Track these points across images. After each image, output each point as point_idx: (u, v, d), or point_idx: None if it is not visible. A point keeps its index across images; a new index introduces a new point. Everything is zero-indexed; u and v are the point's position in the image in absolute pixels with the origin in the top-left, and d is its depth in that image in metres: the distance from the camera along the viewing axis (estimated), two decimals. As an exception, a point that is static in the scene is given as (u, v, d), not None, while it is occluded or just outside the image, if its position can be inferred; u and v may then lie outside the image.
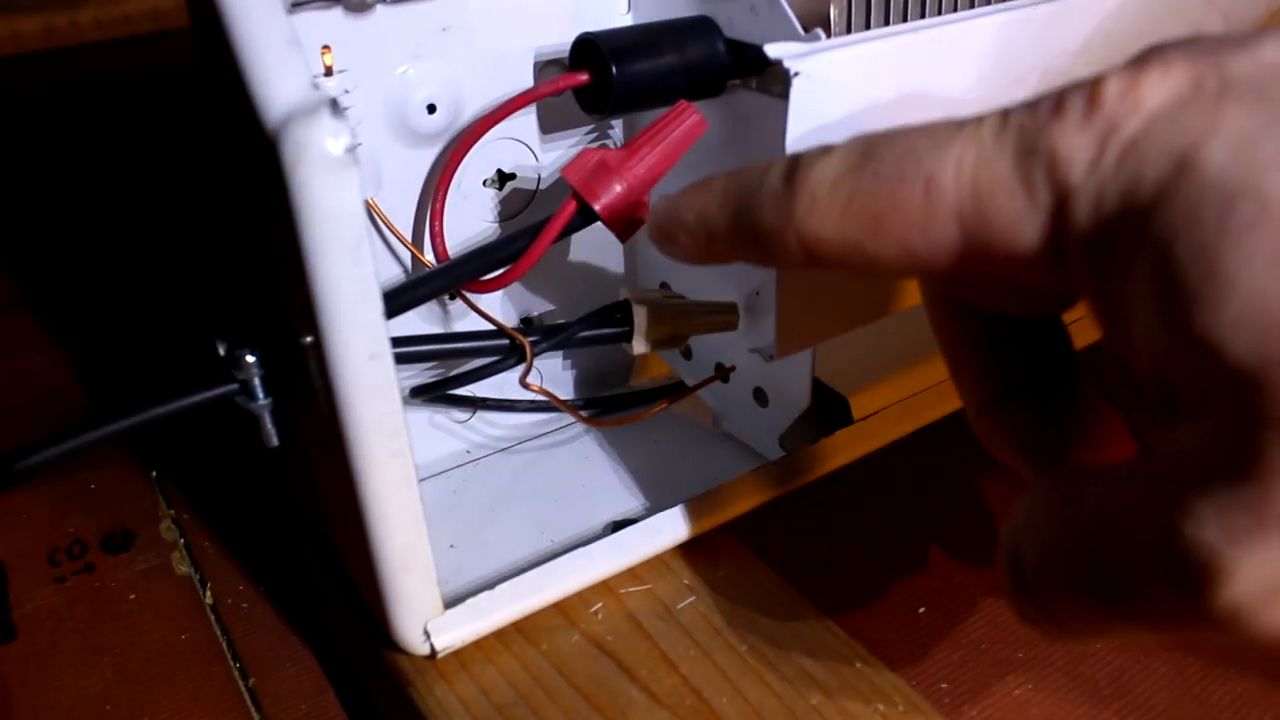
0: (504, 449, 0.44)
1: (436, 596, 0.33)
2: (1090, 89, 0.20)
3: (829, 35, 0.35)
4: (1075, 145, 0.20)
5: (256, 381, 0.34)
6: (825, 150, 0.25)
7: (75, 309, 0.67)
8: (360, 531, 0.32)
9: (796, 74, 0.31)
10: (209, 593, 0.45)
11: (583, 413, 0.42)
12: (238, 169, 0.33)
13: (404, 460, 0.31)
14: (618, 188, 0.34)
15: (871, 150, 0.23)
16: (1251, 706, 0.38)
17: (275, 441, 0.35)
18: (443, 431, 0.43)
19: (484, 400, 0.42)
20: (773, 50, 0.32)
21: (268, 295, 0.34)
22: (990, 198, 0.21)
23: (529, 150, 0.40)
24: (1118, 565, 0.20)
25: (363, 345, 0.29)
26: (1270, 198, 0.17)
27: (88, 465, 0.52)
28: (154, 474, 0.52)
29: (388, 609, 0.33)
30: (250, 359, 0.34)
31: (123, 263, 0.72)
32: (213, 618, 0.44)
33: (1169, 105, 0.19)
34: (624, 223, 0.35)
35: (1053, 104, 0.21)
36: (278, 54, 0.27)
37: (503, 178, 0.40)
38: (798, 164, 0.25)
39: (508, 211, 0.41)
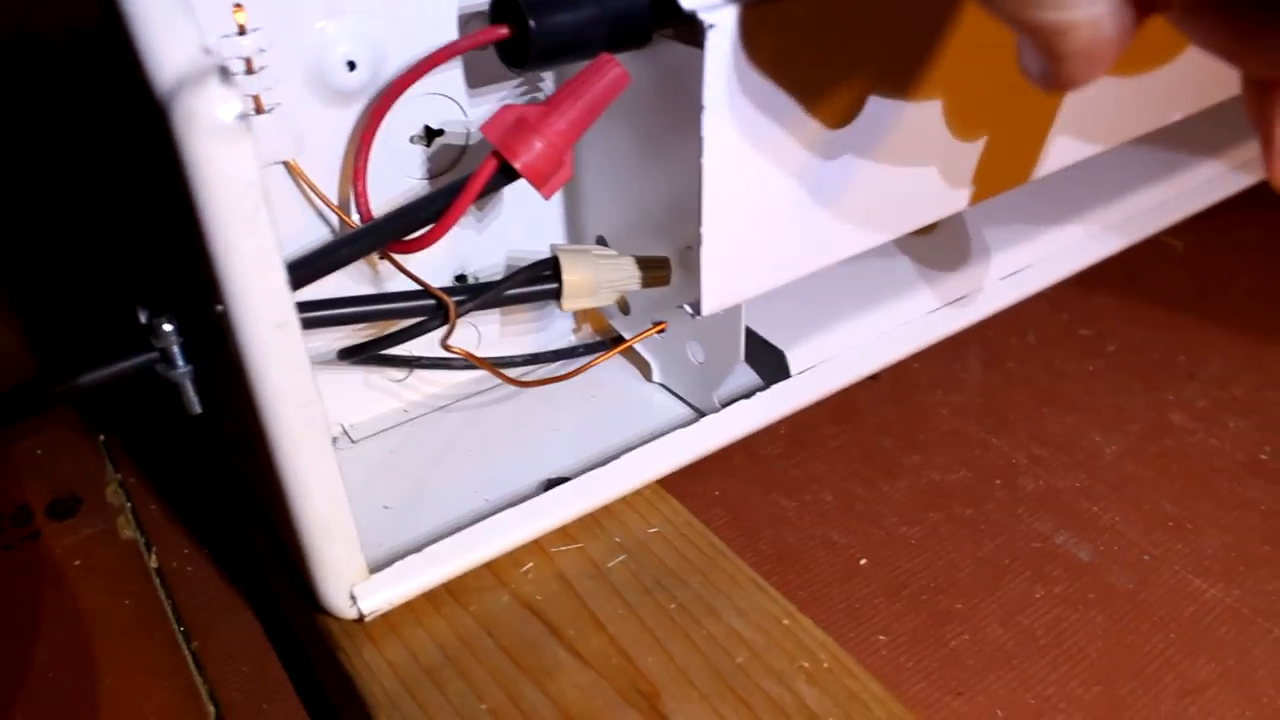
0: (441, 407, 0.44)
1: (361, 561, 0.33)
2: None
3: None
4: None
5: (175, 349, 0.34)
6: None
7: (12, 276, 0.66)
8: (281, 499, 0.32)
9: (712, 26, 0.31)
10: (154, 556, 0.45)
11: (511, 373, 0.41)
12: (140, 134, 0.32)
13: (319, 428, 0.30)
14: (538, 144, 0.34)
15: None
16: (1183, 655, 0.38)
17: (197, 409, 0.35)
18: (379, 391, 0.43)
19: (419, 359, 0.42)
20: (688, 1, 0.31)
21: (180, 262, 0.34)
22: None
23: (456, 105, 0.39)
24: None
25: (268, 314, 0.28)
26: None
27: (35, 429, 0.52)
28: (101, 437, 0.52)
29: (313, 575, 0.33)
30: (168, 328, 0.34)
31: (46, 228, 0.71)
32: (157, 582, 0.44)
33: None
34: (547, 179, 0.34)
35: None
36: (167, 19, 0.27)
37: (430, 134, 0.39)
38: None
39: (436, 168, 0.40)
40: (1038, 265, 0.51)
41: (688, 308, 0.37)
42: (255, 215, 0.27)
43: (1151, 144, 0.58)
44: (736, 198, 0.34)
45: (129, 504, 0.48)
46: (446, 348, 0.36)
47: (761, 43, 0.32)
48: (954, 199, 0.41)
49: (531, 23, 0.33)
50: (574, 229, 0.44)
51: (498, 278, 0.43)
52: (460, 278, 0.42)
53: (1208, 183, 0.59)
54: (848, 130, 0.36)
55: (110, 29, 0.30)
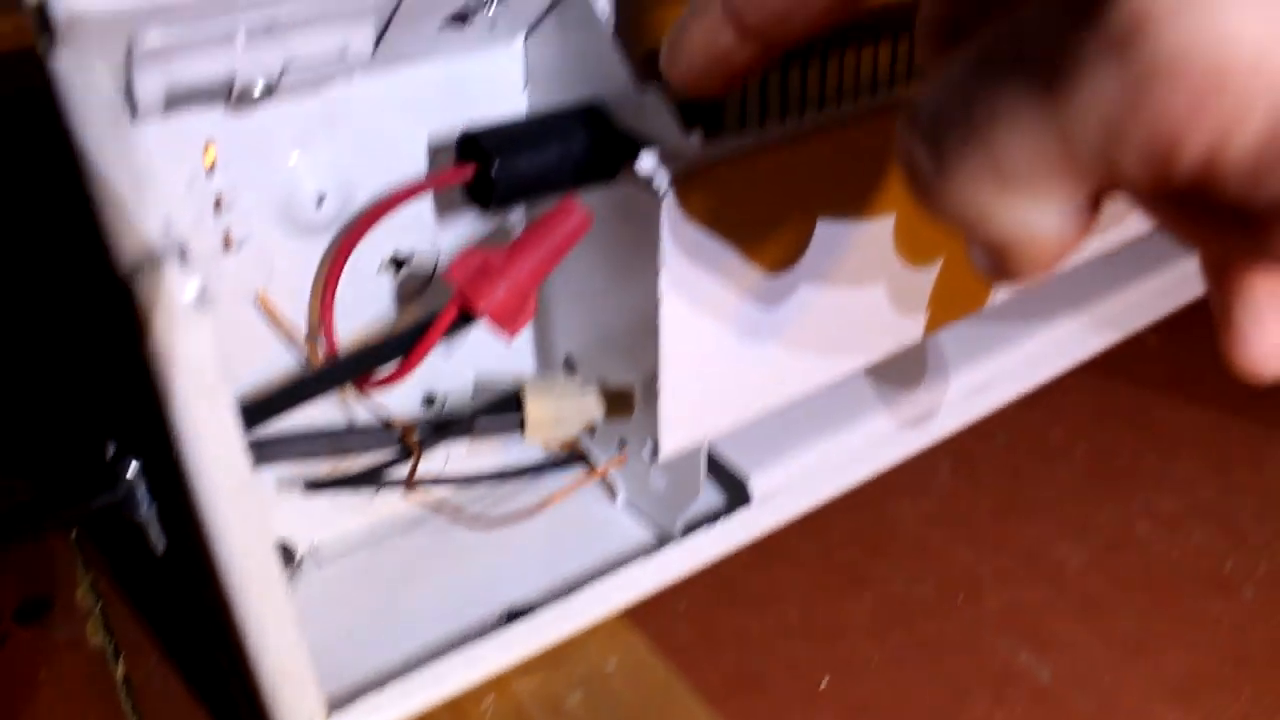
0: (408, 528, 0.44)
1: (319, 704, 0.34)
2: None
3: (718, 125, 0.35)
4: None
5: (140, 493, 0.34)
6: None
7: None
8: (240, 644, 0.32)
9: (667, 191, 0.31)
10: (121, 665, 0.45)
11: (478, 493, 0.42)
12: (104, 281, 0.33)
13: (275, 579, 0.31)
14: (501, 290, 0.34)
15: None
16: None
17: (161, 549, 0.35)
18: (346, 511, 0.43)
19: (386, 480, 0.42)
20: (645, 164, 0.32)
21: (143, 403, 0.34)
22: None
23: (424, 234, 0.40)
24: (1015, 34, 0.17)
25: (225, 480, 0.28)
26: None
27: (7, 522, 0.52)
28: (74, 533, 0.52)
29: (269, 716, 0.33)
30: (132, 468, 0.34)
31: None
32: (123, 693, 0.44)
33: None
34: (509, 322, 0.35)
35: None
36: (130, 196, 0.27)
37: (398, 262, 0.40)
38: None
39: (404, 294, 0.40)
40: (1007, 377, 0.51)
41: (648, 450, 0.37)
42: (214, 389, 0.27)
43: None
44: (695, 346, 0.35)
45: (100, 604, 0.48)
46: (410, 487, 0.37)
47: (695, 202, 0.33)
48: (911, 329, 0.42)
49: (495, 164, 0.34)
50: (543, 345, 0.44)
51: (466, 398, 0.43)
52: (429, 399, 0.43)
53: (1182, 280, 0.60)
54: (798, 271, 0.37)
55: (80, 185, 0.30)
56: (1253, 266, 0.23)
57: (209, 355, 0.27)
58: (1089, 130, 0.16)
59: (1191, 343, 0.63)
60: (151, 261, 0.26)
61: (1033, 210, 0.18)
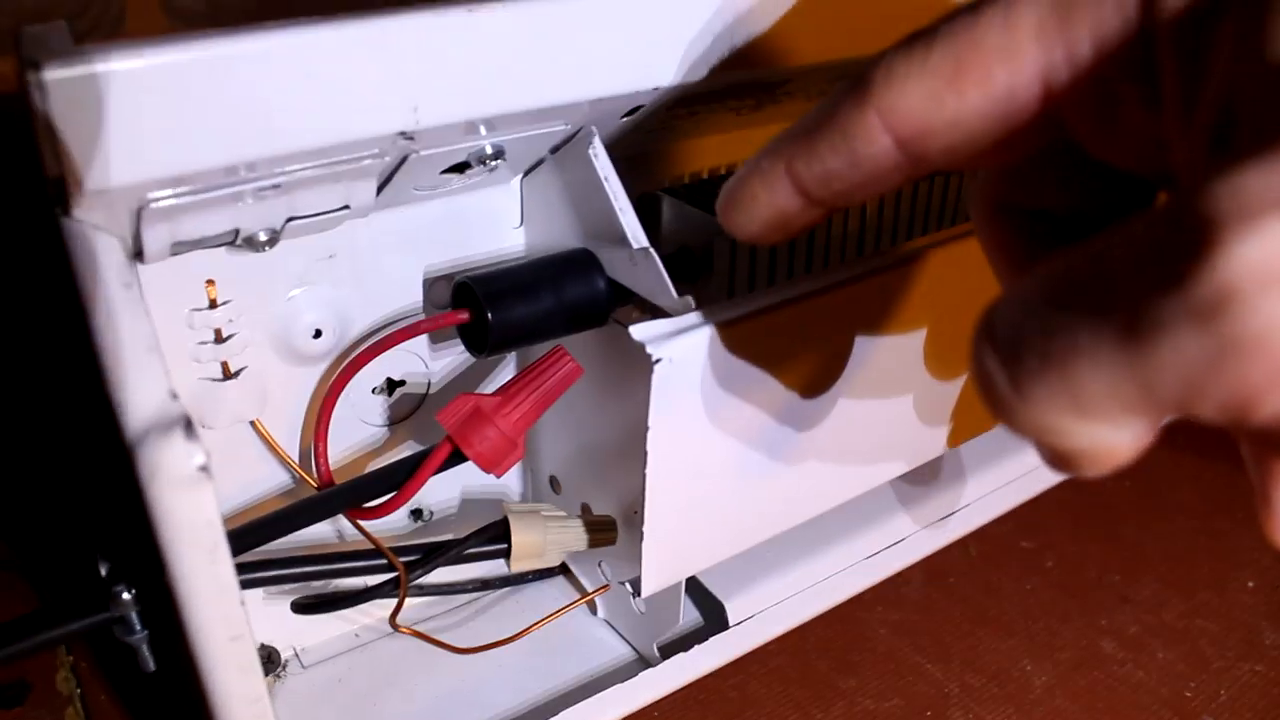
0: (392, 633, 0.45)
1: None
2: None
3: (708, 282, 0.36)
4: None
5: (133, 615, 0.35)
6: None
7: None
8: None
9: (658, 360, 0.32)
10: (104, 757, 0.46)
11: (455, 636, 0.43)
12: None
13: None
14: (491, 434, 0.35)
15: (937, 18, 0.23)
16: None
17: (151, 669, 0.36)
18: (331, 616, 0.44)
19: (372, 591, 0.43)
20: (637, 333, 0.33)
21: (141, 539, 0.35)
22: (1070, 10, 0.21)
23: (418, 358, 0.41)
24: (1101, 274, 0.18)
25: (223, 631, 0.29)
26: None
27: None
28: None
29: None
30: (127, 596, 0.35)
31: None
32: (106, 789, 0.44)
33: None
34: (497, 464, 0.36)
35: None
36: (137, 362, 0.28)
37: (392, 385, 0.41)
38: (866, 65, 0.24)
39: (397, 415, 0.41)
40: (989, 497, 0.52)
41: (628, 586, 0.38)
42: (214, 550, 0.28)
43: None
44: (681, 496, 0.36)
45: (79, 692, 0.48)
46: (395, 627, 0.38)
47: (686, 364, 0.34)
48: (881, 473, 0.43)
49: (490, 315, 0.35)
50: (529, 466, 0.45)
51: (453, 510, 0.44)
52: (416, 512, 0.44)
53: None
54: (785, 422, 0.38)
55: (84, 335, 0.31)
56: None
57: (211, 521, 0.27)
58: (1168, 382, 0.17)
59: (1160, 458, 0.64)
60: (156, 430, 0.27)
61: (1105, 432, 0.19)
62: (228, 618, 0.29)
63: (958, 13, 0.23)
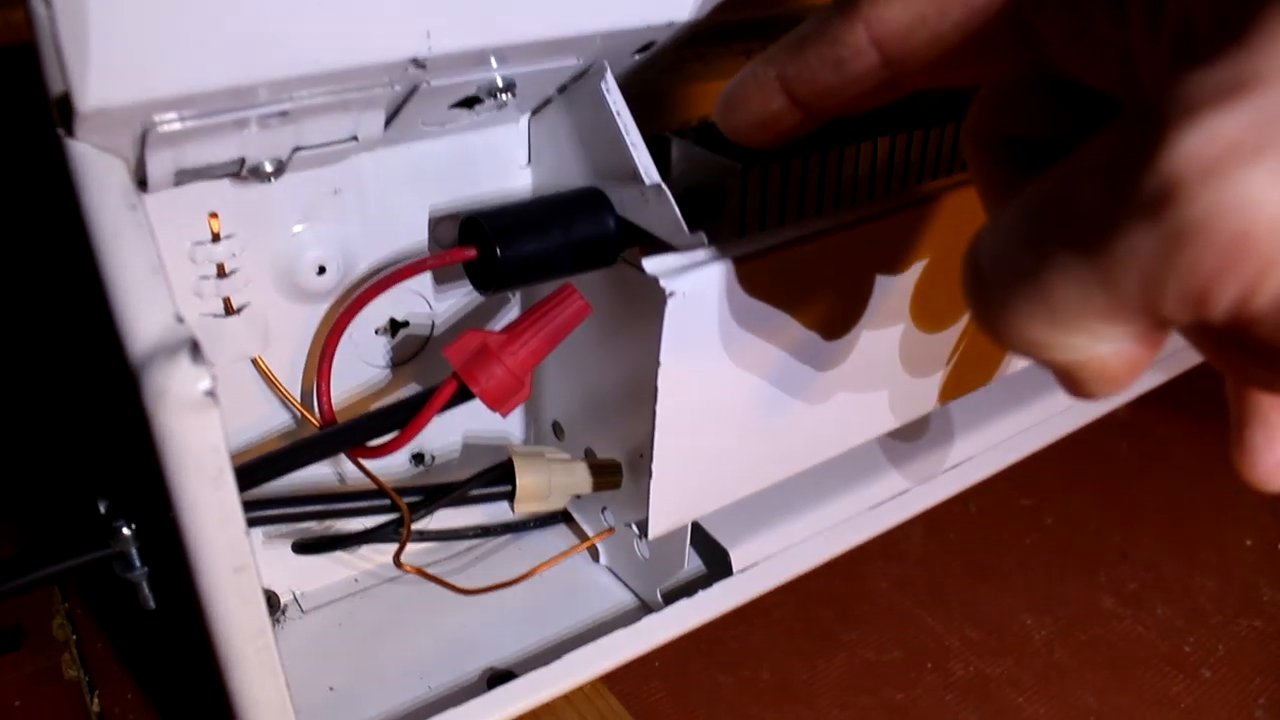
0: (392, 578, 0.45)
1: (304, 770, 0.34)
2: None
3: (718, 225, 0.36)
4: None
5: (133, 551, 0.35)
6: None
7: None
8: (229, 709, 0.33)
9: (672, 294, 0.32)
10: (96, 700, 0.45)
11: (453, 567, 0.42)
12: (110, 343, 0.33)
13: (269, 654, 0.31)
14: (498, 372, 0.35)
15: None
16: None
17: (151, 606, 0.36)
18: (331, 560, 0.44)
19: (372, 533, 0.43)
20: (650, 266, 0.32)
21: (140, 464, 0.34)
22: None
23: (422, 299, 0.40)
24: (1066, 188, 0.18)
25: (228, 560, 0.29)
26: None
27: (-13, 549, 0.52)
28: (52, 562, 0.52)
29: (257, 781, 0.34)
30: (127, 531, 0.34)
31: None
32: (98, 728, 0.44)
33: None
34: (504, 402, 0.35)
35: None
36: (142, 285, 0.28)
37: (395, 326, 0.40)
38: None
39: (400, 357, 0.41)
40: (988, 453, 0.52)
41: (634, 528, 0.38)
42: (219, 476, 0.28)
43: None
44: (689, 436, 0.36)
45: (75, 638, 0.48)
46: (399, 565, 0.37)
47: (699, 300, 0.33)
48: (904, 412, 0.43)
49: (498, 251, 0.35)
50: (532, 412, 0.45)
51: (455, 455, 0.44)
52: (418, 457, 0.43)
53: (1160, 360, 0.61)
54: (797, 361, 0.37)
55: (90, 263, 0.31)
56: (1273, 394, 0.24)
57: (216, 447, 0.27)
58: (1129, 282, 0.17)
59: (1159, 418, 0.64)
60: (163, 353, 0.27)
61: (1089, 343, 0.19)
62: (232, 548, 0.29)
63: None
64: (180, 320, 0.28)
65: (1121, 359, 0.20)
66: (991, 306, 0.20)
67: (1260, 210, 0.15)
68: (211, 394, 0.27)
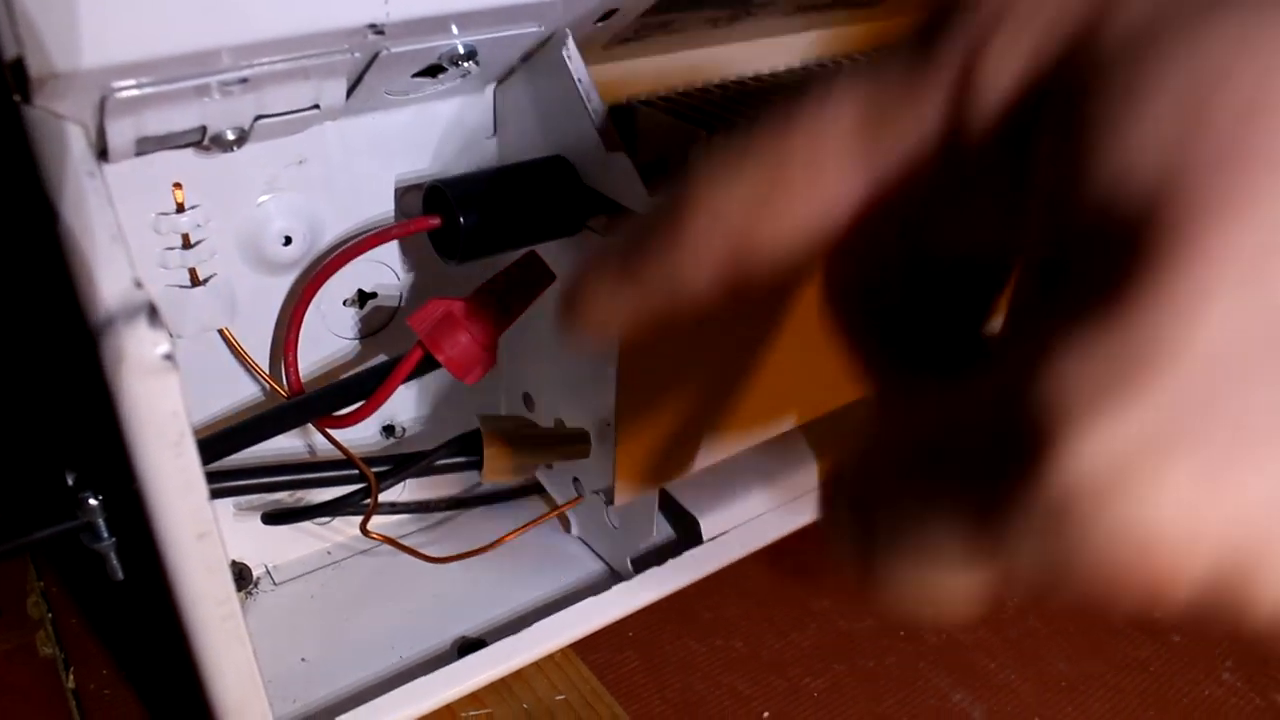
0: (365, 550, 0.45)
1: (274, 738, 0.34)
2: None
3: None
4: (965, 41, 0.19)
5: (100, 522, 0.35)
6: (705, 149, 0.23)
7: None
8: (197, 676, 0.33)
9: (630, 257, 0.32)
10: (71, 677, 0.45)
11: (423, 539, 0.43)
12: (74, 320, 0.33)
13: (235, 623, 0.31)
14: (463, 340, 0.35)
15: (755, 122, 0.21)
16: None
17: (119, 577, 0.36)
18: (303, 533, 0.44)
19: (344, 505, 0.43)
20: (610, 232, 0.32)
21: (105, 434, 0.35)
22: (884, 118, 0.19)
23: (390, 270, 0.40)
24: (949, 448, 0.17)
25: (190, 527, 0.29)
26: (1178, 45, 0.16)
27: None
28: (26, 541, 0.52)
29: (226, 749, 0.34)
30: (94, 502, 0.34)
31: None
32: (73, 704, 0.44)
33: None
34: (469, 371, 0.35)
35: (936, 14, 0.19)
36: (102, 250, 0.28)
37: (363, 297, 0.40)
38: (684, 171, 0.22)
39: (368, 329, 0.41)
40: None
41: (602, 496, 0.38)
42: (180, 441, 0.28)
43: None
44: (651, 403, 0.36)
45: (50, 615, 0.48)
46: (366, 532, 0.37)
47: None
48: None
49: (461, 219, 0.35)
50: (502, 384, 0.45)
51: (426, 426, 0.44)
52: (388, 428, 0.44)
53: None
54: (755, 327, 0.38)
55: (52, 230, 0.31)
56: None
57: (176, 412, 0.27)
58: (1021, 571, 0.16)
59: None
60: (121, 317, 0.27)
61: (960, 589, 0.18)
62: (195, 514, 0.29)
63: (776, 112, 0.21)
64: (139, 285, 0.28)
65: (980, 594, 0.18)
66: (860, 547, 0.18)
67: (1164, 529, 0.14)
68: (170, 358, 0.27)
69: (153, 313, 0.27)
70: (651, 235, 0.22)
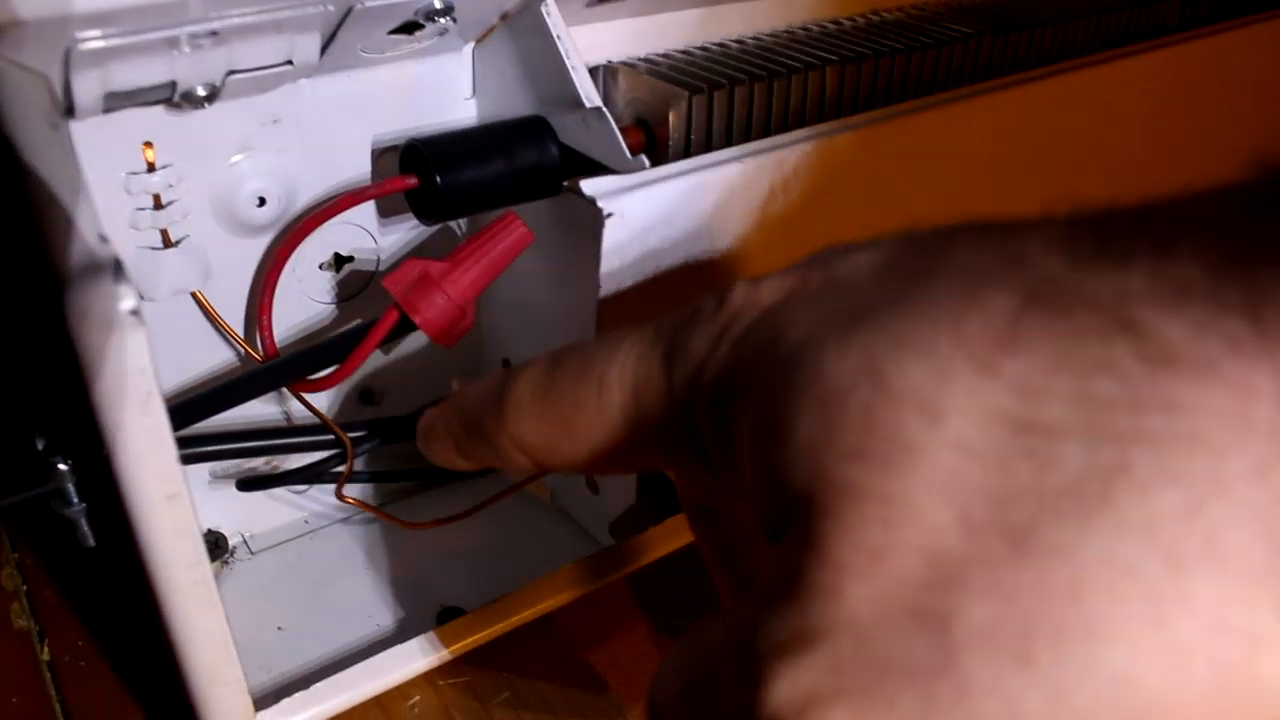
0: (343, 519, 0.44)
1: (247, 703, 0.34)
2: (721, 292, 0.23)
3: (664, 141, 0.35)
4: (703, 338, 0.23)
5: (70, 487, 0.34)
6: (530, 361, 0.27)
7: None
8: (171, 645, 0.32)
9: (610, 214, 0.31)
10: (46, 649, 0.45)
11: (401, 509, 0.42)
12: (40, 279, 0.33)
13: (207, 586, 0.31)
14: (439, 301, 0.34)
15: (561, 358, 0.26)
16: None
17: (90, 543, 0.35)
18: (280, 502, 0.43)
19: (321, 473, 0.42)
20: (589, 187, 0.32)
21: (74, 399, 0.34)
22: (645, 391, 0.24)
23: (367, 233, 0.40)
24: (710, 695, 0.21)
25: (159, 488, 0.29)
26: (822, 365, 0.19)
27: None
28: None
29: (199, 715, 0.34)
30: (63, 467, 0.34)
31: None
32: (48, 676, 0.44)
33: (778, 301, 0.22)
34: (446, 333, 0.35)
35: (693, 308, 0.24)
36: (67, 205, 0.27)
37: (340, 260, 0.40)
38: (508, 377, 0.27)
39: (345, 293, 0.40)
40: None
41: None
42: (148, 399, 0.27)
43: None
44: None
45: (24, 588, 0.48)
46: (341, 497, 0.37)
47: (638, 222, 0.33)
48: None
49: (438, 178, 0.34)
50: (480, 350, 0.45)
51: (404, 393, 0.44)
52: (366, 392, 0.43)
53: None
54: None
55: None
56: None
57: (143, 369, 0.27)
58: None
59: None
60: (86, 273, 0.26)
61: None
62: (164, 476, 0.29)
63: (570, 354, 0.26)
64: (104, 240, 0.27)
65: None
66: None
67: None
68: (136, 314, 0.26)
69: (118, 268, 0.26)
70: (475, 434, 0.29)
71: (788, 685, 0.18)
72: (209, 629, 0.31)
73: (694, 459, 0.24)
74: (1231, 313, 0.16)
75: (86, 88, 0.30)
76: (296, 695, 0.35)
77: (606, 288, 0.33)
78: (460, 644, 0.38)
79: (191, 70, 0.31)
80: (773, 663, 0.18)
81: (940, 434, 0.17)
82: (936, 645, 0.17)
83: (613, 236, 0.32)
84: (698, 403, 0.23)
